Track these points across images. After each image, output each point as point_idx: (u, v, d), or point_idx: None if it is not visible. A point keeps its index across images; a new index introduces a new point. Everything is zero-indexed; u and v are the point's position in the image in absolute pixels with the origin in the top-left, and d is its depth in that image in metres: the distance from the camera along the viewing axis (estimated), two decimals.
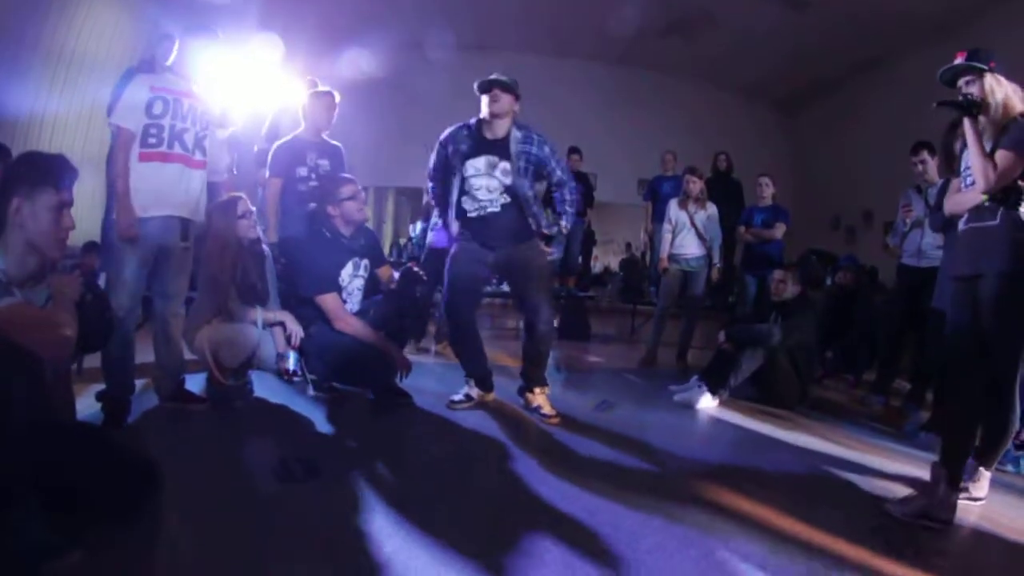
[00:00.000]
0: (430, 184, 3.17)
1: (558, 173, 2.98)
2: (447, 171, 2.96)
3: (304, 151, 3.40)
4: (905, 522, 1.92)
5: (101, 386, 2.52)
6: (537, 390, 2.98)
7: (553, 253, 3.06)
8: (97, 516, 1.47)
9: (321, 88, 3.50)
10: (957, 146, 2.97)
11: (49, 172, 1.58)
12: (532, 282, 2.94)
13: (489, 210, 2.89)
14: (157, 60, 2.67)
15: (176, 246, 2.59)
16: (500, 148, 2.86)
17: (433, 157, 3.03)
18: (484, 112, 2.84)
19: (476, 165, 2.86)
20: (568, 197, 3.02)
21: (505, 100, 2.81)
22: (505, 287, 4.26)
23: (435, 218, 4.53)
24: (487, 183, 2.87)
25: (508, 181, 2.86)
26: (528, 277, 2.94)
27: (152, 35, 5.57)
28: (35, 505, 1.24)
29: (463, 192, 2.90)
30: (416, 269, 3.16)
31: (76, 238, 2.14)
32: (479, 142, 2.87)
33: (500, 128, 2.86)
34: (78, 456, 1.45)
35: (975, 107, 1.97)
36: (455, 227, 2.97)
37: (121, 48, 5.44)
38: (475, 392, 3.06)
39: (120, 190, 2.44)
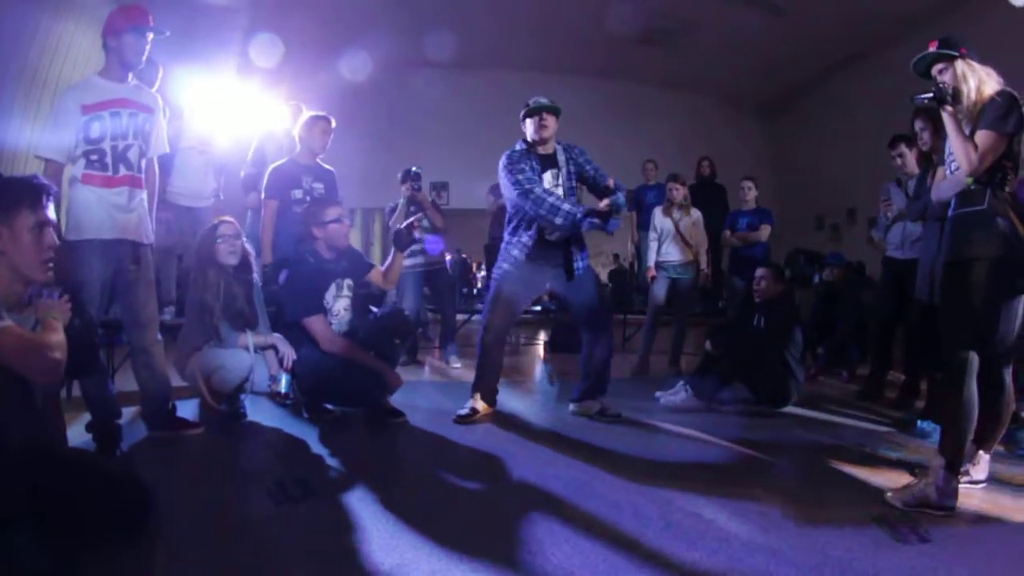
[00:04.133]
0: (514, 202, 3.02)
1: (594, 167, 3.17)
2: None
3: (300, 174, 3.44)
4: (907, 511, 1.92)
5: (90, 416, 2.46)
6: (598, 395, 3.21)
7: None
8: (90, 541, 1.44)
9: (318, 113, 3.53)
10: (925, 137, 3.05)
11: (22, 193, 1.56)
12: (596, 296, 3.14)
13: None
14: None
15: (129, 270, 2.49)
16: (552, 161, 3.08)
17: (519, 175, 2.93)
18: (532, 134, 3.02)
19: (546, 179, 3.02)
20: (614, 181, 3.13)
21: (552, 122, 3.02)
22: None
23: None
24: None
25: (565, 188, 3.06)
26: (592, 292, 3.13)
27: None
28: (28, 531, 1.21)
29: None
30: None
31: None
32: (540, 160, 3.05)
33: (550, 146, 3.09)
34: (70, 481, 1.42)
35: (949, 96, 1.98)
36: (522, 246, 3.03)
37: None
38: (480, 406, 3.09)
39: None
